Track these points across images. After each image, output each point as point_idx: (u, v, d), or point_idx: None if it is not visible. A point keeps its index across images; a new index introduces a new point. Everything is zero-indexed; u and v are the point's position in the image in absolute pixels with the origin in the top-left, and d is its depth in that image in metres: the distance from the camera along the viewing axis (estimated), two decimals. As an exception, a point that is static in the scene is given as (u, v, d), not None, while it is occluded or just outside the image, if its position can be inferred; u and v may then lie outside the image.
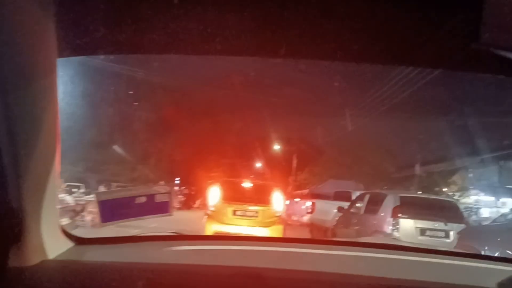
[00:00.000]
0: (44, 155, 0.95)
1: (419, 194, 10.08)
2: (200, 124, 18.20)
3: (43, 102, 0.90)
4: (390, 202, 6.79)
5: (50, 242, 1.03)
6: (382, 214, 6.77)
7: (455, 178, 20.35)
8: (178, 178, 19.06)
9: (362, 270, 1.13)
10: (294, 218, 12.06)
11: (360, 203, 7.97)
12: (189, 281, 1.06)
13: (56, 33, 0.84)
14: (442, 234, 6.37)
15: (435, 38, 1.12)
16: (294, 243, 1.59)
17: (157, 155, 18.90)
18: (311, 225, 10.95)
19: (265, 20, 1.02)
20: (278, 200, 6.98)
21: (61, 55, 0.87)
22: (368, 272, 1.11)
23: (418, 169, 17.09)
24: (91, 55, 1.19)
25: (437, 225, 6.39)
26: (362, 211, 7.62)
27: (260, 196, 6.89)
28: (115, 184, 15.73)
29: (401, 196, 6.92)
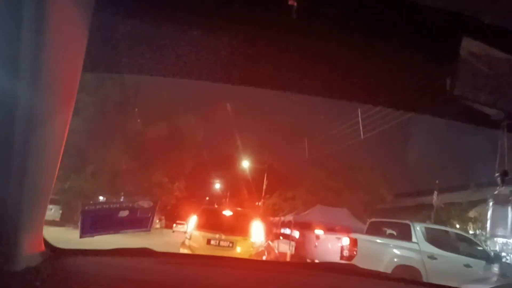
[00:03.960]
0: (44, 164, 0.97)
1: None
2: (155, 129, 17.36)
3: (58, 107, 0.92)
4: None
5: (32, 251, 1.04)
6: None
7: (475, 212, 16.50)
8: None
9: None
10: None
11: None
12: None
13: (86, 47, 0.89)
14: None
15: (415, 85, 1.31)
16: (260, 266, 1.65)
17: (99, 167, 17.81)
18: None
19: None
20: (257, 231, 6.51)
21: (86, 69, 0.91)
22: None
23: (435, 198, 16.11)
24: (112, 73, 1.24)
25: None
26: None
27: (237, 226, 6.47)
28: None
29: None
